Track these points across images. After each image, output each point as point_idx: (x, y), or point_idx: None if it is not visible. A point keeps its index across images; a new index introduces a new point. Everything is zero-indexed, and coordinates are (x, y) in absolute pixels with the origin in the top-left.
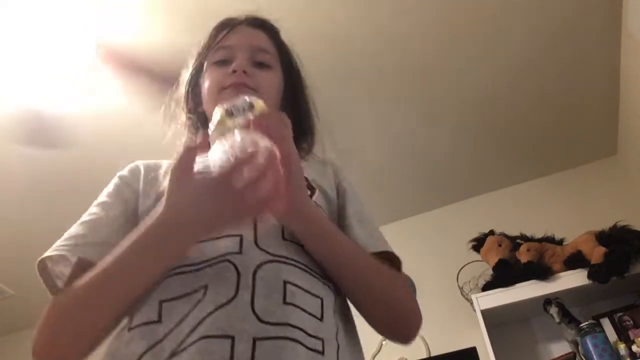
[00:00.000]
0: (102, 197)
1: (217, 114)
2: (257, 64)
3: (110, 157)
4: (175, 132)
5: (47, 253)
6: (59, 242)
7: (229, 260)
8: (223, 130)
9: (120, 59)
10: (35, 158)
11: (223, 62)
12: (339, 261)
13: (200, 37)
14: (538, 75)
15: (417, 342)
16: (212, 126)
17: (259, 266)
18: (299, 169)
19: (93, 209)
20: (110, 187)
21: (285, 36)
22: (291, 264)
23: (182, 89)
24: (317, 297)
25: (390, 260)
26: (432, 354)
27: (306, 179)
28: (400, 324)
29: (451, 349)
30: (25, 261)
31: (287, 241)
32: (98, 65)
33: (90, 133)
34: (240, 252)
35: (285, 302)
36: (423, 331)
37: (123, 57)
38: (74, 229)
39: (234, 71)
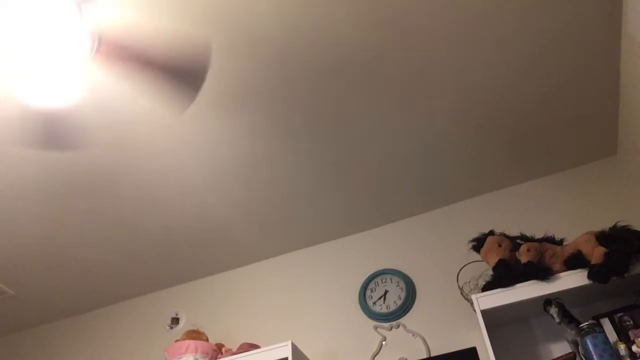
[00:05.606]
0: None
1: None
2: None
3: (110, 157)
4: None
5: None
6: None
7: None
8: None
9: (122, 51)
10: (36, 159)
11: None
12: None
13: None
14: (538, 75)
15: (417, 342)
16: None
17: None
18: None
19: None
20: None
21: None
22: None
23: None
24: None
25: None
26: (432, 354)
27: None
28: None
29: (451, 349)
30: (25, 261)
31: None
32: (101, 60)
33: (90, 133)
34: None
35: None
36: (423, 331)
37: (125, 50)
38: None
39: None
